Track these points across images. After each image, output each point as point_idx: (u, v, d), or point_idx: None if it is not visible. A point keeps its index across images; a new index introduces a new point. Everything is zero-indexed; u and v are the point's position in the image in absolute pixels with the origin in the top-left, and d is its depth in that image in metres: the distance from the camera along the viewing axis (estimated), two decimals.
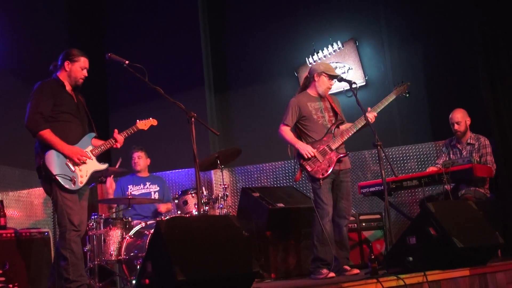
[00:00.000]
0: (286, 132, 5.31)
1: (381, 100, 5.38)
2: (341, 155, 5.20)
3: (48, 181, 4.38)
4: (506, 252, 5.56)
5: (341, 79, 5.33)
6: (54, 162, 4.35)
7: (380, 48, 7.60)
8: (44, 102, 4.44)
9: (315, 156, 5.15)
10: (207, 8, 8.57)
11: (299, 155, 5.22)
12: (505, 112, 6.19)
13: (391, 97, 5.38)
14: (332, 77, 5.34)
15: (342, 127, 5.36)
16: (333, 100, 5.46)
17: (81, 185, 4.47)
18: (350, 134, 5.24)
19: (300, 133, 5.37)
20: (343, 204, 5.25)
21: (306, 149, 5.16)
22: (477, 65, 6.49)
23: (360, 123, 5.23)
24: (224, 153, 6.38)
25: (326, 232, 5.10)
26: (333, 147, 5.18)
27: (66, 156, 4.41)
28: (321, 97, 5.40)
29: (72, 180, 4.39)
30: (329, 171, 5.13)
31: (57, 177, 4.31)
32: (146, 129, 5.18)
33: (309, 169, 5.16)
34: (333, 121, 5.32)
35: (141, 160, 6.78)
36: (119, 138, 4.79)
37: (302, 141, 5.30)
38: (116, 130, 4.84)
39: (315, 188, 5.18)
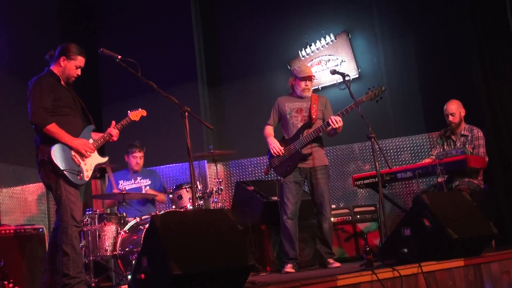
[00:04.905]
0: (265, 129, 5.71)
1: (351, 104, 5.30)
2: (304, 155, 5.40)
3: (53, 176, 4.33)
4: (500, 242, 5.59)
5: (334, 72, 5.38)
6: (60, 157, 4.32)
7: (373, 40, 7.61)
8: (45, 97, 4.40)
9: (280, 154, 5.44)
10: (199, 1, 8.55)
11: (269, 154, 5.56)
12: (498, 102, 6.21)
13: (361, 101, 5.28)
14: (303, 78, 5.57)
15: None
16: (318, 100, 5.60)
17: (87, 179, 4.49)
18: (316, 135, 5.43)
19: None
20: (318, 201, 5.43)
21: (273, 145, 5.50)
22: (470, 56, 6.51)
23: (325, 127, 5.40)
24: (218, 153, 6.40)
25: (286, 229, 5.37)
26: (298, 147, 5.41)
27: (73, 149, 4.41)
28: (302, 98, 5.62)
29: (79, 174, 4.39)
30: (289, 170, 5.39)
31: (64, 172, 4.29)
32: (137, 119, 5.18)
33: (273, 166, 5.48)
34: (305, 122, 5.52)
35: (142, 160, 6.77)
36: (114, 132, 4.79)
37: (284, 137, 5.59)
38: (113, 122, 4.83)
39: (280, 185, 5.45)
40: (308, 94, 5.62)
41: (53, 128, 4.34)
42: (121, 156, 6.80)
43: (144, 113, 5.27)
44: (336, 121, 5.27)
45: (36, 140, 4.46)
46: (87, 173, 4.49)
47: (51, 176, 4.34)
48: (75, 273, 4.28)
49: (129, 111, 5.15)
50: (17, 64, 6.84)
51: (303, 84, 5.57)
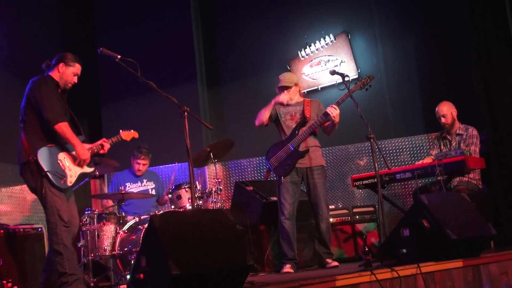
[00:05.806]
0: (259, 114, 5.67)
1: (342, 96, 5.38)
2: (302, 152, 5.43)
3: (38, 176, 4.36)
4: (499, 243, 5.59)
5: (333, 72, 5.41)
6: (46, 159, 4.35)
7: (373, 41, 7.60)
8: (57, 97, 4.49)
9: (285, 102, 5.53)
10: (199, 1, 8.54)
11: (267, 156, 5.59)
12: (497, 103, 6.20)
13: (352, 91, 5.33)
14: (280, 88, 5.64)
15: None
16: (311, 103, 5.63)
17: (70, 185, 4.50)
18: (312, 130, 5.46)
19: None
20: (315, 202, 5.46)
21: (277, 98, 5.57)
22: (469, 57, 6.50)
23: (321, 119, 5.43)
24: (216, 146, 6.38)
25: (284, 230, 5.40)
26: (294, 145, 5.44)
27: (74, 153, 4.47)
28: (294, 104, 5.64)
29: (62, 178, 4.41)
30: (288, 169, 5.42)
31: (48, 174, 4.31)
32: (128, 140, 5.31)
33: (272, 167, 5.53)
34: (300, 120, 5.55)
35: (145, 167, 6.77)
36: (106, 145, 4.84)
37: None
38: (104, 139, 4.89)
39: (278, 185, 5.49)
40: (293, 101, 5.63)
41: (66, 126, 4.41)
42: (121, 156, 6.79)
43: (136, 135, 5.41)
44: (332, 110, 5.28)
45: (19, 143, 4.48)
46: (71, 179, 4.50)
47: (36, 177, 4.38)
48: (72, 270, 4.30)
49: (121, 130, 5.27)
50: (17, 64, 6.83)
51: (283, 94, 5.60)
